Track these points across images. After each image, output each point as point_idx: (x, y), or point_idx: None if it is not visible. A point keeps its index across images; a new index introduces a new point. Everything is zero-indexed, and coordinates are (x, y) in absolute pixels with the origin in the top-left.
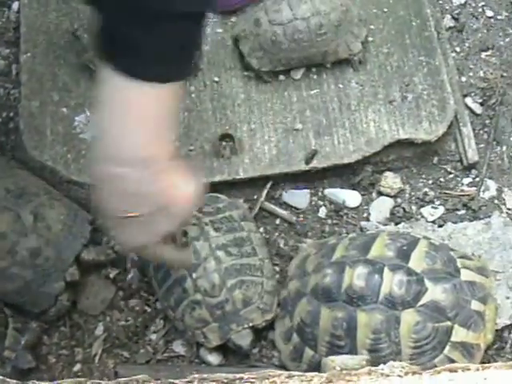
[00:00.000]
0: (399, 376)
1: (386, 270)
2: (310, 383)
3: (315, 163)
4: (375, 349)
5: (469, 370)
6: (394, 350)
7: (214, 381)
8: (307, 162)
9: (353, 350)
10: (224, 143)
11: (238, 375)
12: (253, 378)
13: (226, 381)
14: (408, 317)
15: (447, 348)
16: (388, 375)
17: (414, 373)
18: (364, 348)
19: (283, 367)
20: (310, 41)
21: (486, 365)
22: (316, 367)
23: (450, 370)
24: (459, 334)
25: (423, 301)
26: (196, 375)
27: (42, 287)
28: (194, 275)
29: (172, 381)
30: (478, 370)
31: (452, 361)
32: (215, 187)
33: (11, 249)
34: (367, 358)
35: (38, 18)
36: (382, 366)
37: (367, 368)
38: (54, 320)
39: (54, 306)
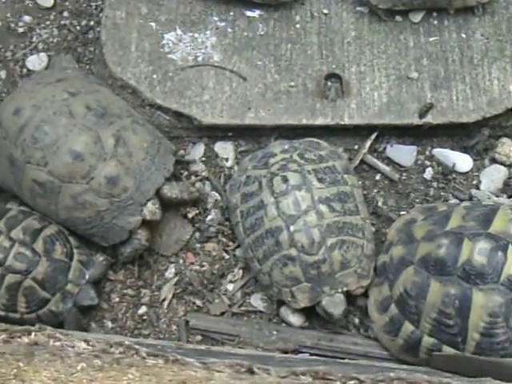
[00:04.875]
0: None
1: (510, 247)
2: None
3: (429, 118)
4: (489, 333)
5: None
6: (510, 337)
7: None
8: (421, 115)
9: (462, 332)
10: (330, 83)
11: None
12: None
13: None
14: None
15: None
16: None
17: None
18: (476, 331)
19: (371, 337)
20: None
21: None
22: (415, 345)
23: None
24: None
25: None
26: None
27: (115, 219)
28: (292, 228)
29: None
30: None
31: None
32: (313, 131)
33: (87, 173)
34: None
35: None
36: None
37: None
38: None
39: (130, 245)
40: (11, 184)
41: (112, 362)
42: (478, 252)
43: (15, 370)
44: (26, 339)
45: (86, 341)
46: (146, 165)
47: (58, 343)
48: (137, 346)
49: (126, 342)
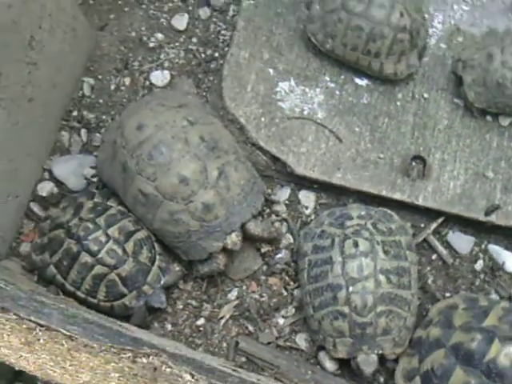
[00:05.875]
0: None
1: None
2: None
3: (493, 218)
4: None
5: None
6: None
7: None
8: (487, 213)
9: None
10: (414, 164)
11: None
12: None
13: None
14: None
15: None
16: None
17: None
18: None
19: None
20: None
21: None
22: None
23: None
24: None
25: None
26: None
27: (200, 240)
28: (351, 289)
29: None
30: None
31: None
32: (388, 202)
33: (188, 197)
34: None
35: None
36: None
37: None
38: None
39: (208, 266)
40: (118, 186)
41: None
42: (504, 354)
43: None
44: (144, 360)
45: (191, 374)
46: (239, 200)
47: (168, 369)
48: None
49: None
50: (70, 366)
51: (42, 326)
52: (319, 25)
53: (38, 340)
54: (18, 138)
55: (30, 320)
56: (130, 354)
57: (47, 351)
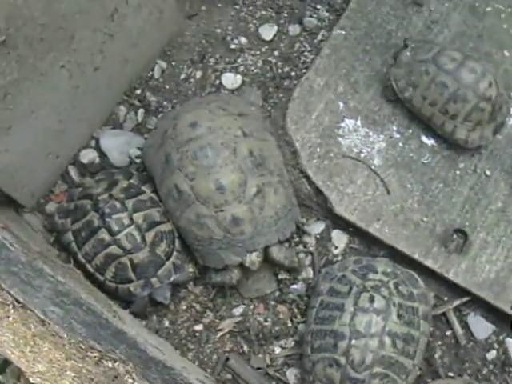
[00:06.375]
0: None
1: None
2: None
3: None
4: None
5: None
6: None
7: None
8: None
9: None
10: (455, 236)
11: None
12: None
13: None
14: None
15: None
16: None
17: None
18: None
19: None
20: None
21: None
22: None
23: None
24: None
25: None
26: None
27: (220, 250)
28: (353, 342)
29: None
30: None
31: None
32: (417, 266)
33: (220, 205)
34: None
35: (371, 4)
36: None
37: None
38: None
39: (221, 277)
40: (157, 174)
41: None
42: None
43: None
44: (110, 364)
45: None
46: (269, 223)
47: (130, 381)
48: None
49: None
50: (29, 352)
51: (18, 302)
52: (404, 71)
53: (8, 317)
54: (73, 102)
55: (10, 293)
56: (96, 354)
57: (12, 331)
